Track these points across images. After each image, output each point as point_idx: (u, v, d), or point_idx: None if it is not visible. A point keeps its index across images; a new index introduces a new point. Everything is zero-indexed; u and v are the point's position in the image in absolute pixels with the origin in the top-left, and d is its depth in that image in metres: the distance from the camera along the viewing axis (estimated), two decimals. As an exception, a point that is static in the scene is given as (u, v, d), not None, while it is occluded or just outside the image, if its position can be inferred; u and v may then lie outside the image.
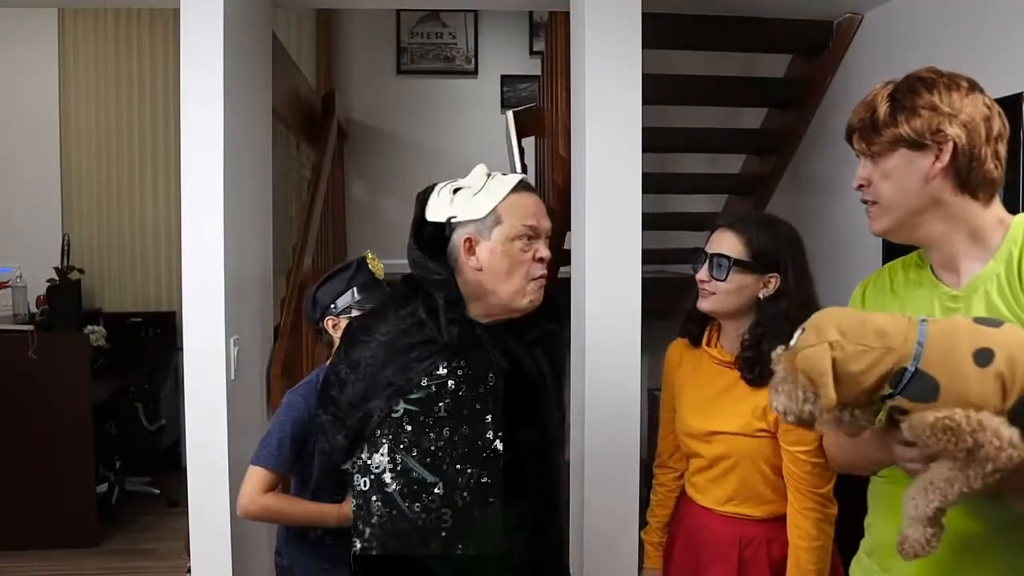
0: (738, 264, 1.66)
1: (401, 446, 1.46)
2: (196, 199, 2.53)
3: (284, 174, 4.27)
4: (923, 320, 1.08)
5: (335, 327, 1.89)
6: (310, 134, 4.54)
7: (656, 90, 2.85)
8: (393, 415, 1.46)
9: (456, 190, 1.51)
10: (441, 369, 1.47)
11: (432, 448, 1.46)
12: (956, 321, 1.09)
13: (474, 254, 1.48)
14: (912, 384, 1.03)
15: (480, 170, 1.54)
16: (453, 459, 1.46)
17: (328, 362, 1.86)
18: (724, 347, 1.76)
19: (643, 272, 2.70)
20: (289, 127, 4.27)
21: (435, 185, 1.55)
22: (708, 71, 4.11)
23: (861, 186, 1.26)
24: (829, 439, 1.36)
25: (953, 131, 1.16)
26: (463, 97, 5.72)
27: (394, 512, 1.46)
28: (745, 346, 1.68)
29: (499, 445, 1.48)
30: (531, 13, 5.61)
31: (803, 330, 1.11)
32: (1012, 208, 2.56)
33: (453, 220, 1.50)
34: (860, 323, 1.06)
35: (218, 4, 2.52)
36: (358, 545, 1.48)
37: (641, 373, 2.77)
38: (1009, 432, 0.99)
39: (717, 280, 1.67)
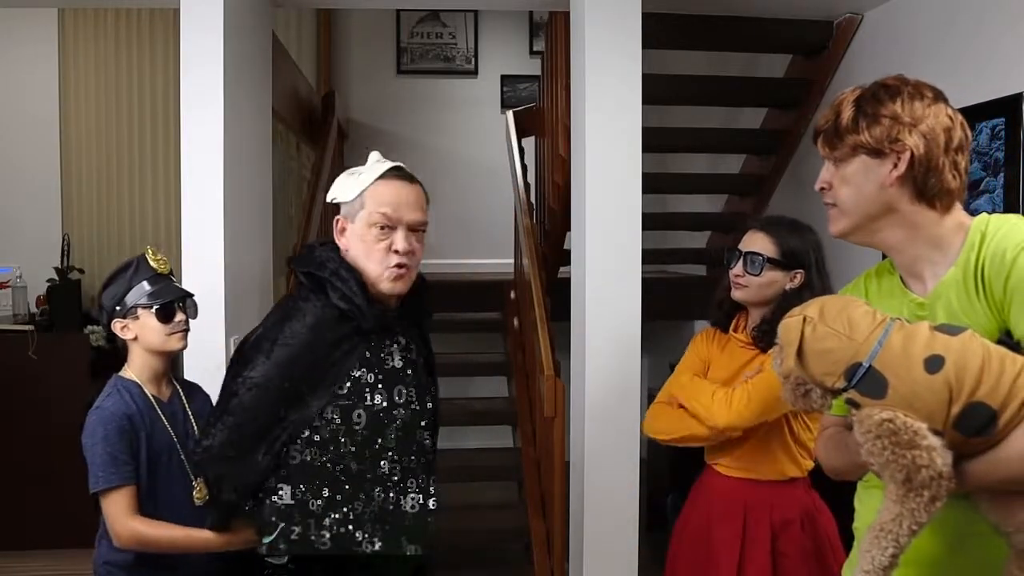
0: (770, 262, 1.87)
1: (335, 447, 1.44)
2: (196, 199, 2.53)
3: (284, 174, 4.27)
4: (894, 320, 1.13)
5: (124, 329, 1.77)
6: (310, 134, 4.54)
7: (656, 90, 2.85)
8: (328, 414, 1.44)
9: (353, 173, 1.53)
10: (372, 358, 1.48)
11: (368, 443, 1.46)
12: (919, 326, 1.12)
13: (343, 236, 1.51)
14: (864, 380, 1.09)
15: (374, 156, 1.55)
16: (391, 455, 1.48)
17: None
18: (750, 333, 1.97)
19: (643, 272, 2.71)
20: (289, 127, 4.27)
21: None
22: (708, 71, 4.11)
23: (823, 188, 1.28)
24: (819, 445, 1.37)
25: (912, 140, 1.17)
26: (463, 97, 5.72)
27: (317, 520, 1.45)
28: (763, 322, 1.90)
29: (427, 440, 1.56)
30: (531, 13, 5.61)
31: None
32: (1014, 208, 2.57)
33: (333, 201, 1.53)
34: (841, 310, 1.14)
35: (218, 4, 2.52)
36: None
37: (641, 373, 2.77)
38: (942, 461, 1.03)
39: (751, 275, 1.89)
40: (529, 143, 4.53)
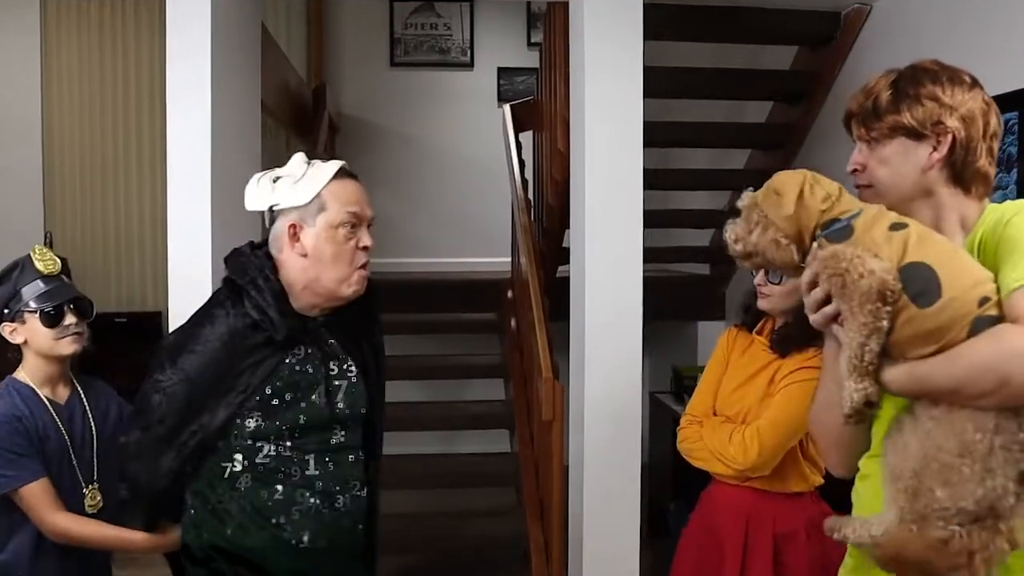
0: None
1: (255, 454, 1.48)
2: (182, 196, 2.51)
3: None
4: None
5: (13, 333, 1.75)
6: (300, 128, 4.50)
7: (658, 83, 2.85)
8: (241, 421, 1.47)
9: (277, 179, 1.52)
10: (284, 369, 1.50)
11: (291, 453, 1.50)
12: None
13: (298, 240, 1.50)
14: (837, 229, 1.17)
15: (299, 158, 1.54)
16: (317, 460, 1.52)
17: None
18: (769, 338, 1.98)
19: (645, 271, 2.69)
20: (279, 121, 4.23)
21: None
22: (711, 63, 4.08)
23: (855, 170, 1.30)
24: (810, 427, 1.39)
25: (953, 124, 1.20)
26: (458, 90, 5.68)
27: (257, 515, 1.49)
28: (783, 326, 1.92)
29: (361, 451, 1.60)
30: (529, 3, 5.57)
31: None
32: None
33: (275, 207, 1.51)
34: (836, 186, 1.22)
35: (205, -7, 2.48)
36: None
37: (643, 375, 2.76)
38: (878, 264, 1.09)
39: (773, 284, 1.90)
40: (527, 138, 4.50)
